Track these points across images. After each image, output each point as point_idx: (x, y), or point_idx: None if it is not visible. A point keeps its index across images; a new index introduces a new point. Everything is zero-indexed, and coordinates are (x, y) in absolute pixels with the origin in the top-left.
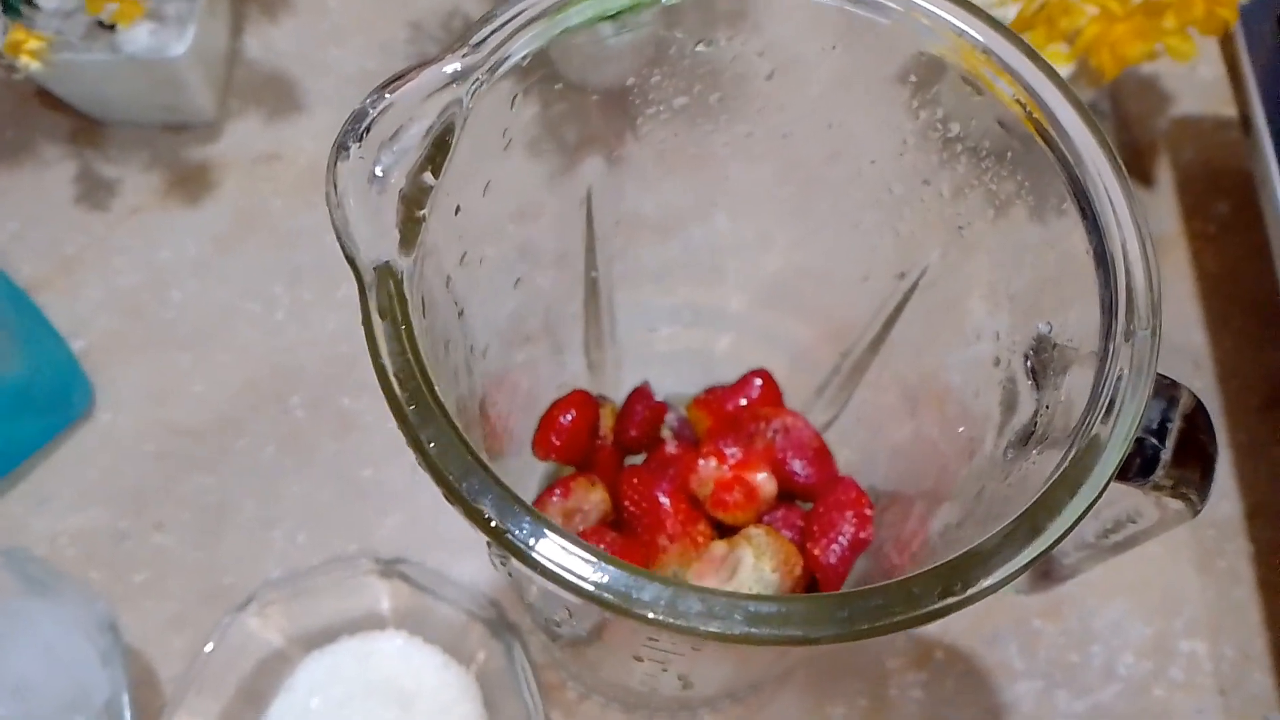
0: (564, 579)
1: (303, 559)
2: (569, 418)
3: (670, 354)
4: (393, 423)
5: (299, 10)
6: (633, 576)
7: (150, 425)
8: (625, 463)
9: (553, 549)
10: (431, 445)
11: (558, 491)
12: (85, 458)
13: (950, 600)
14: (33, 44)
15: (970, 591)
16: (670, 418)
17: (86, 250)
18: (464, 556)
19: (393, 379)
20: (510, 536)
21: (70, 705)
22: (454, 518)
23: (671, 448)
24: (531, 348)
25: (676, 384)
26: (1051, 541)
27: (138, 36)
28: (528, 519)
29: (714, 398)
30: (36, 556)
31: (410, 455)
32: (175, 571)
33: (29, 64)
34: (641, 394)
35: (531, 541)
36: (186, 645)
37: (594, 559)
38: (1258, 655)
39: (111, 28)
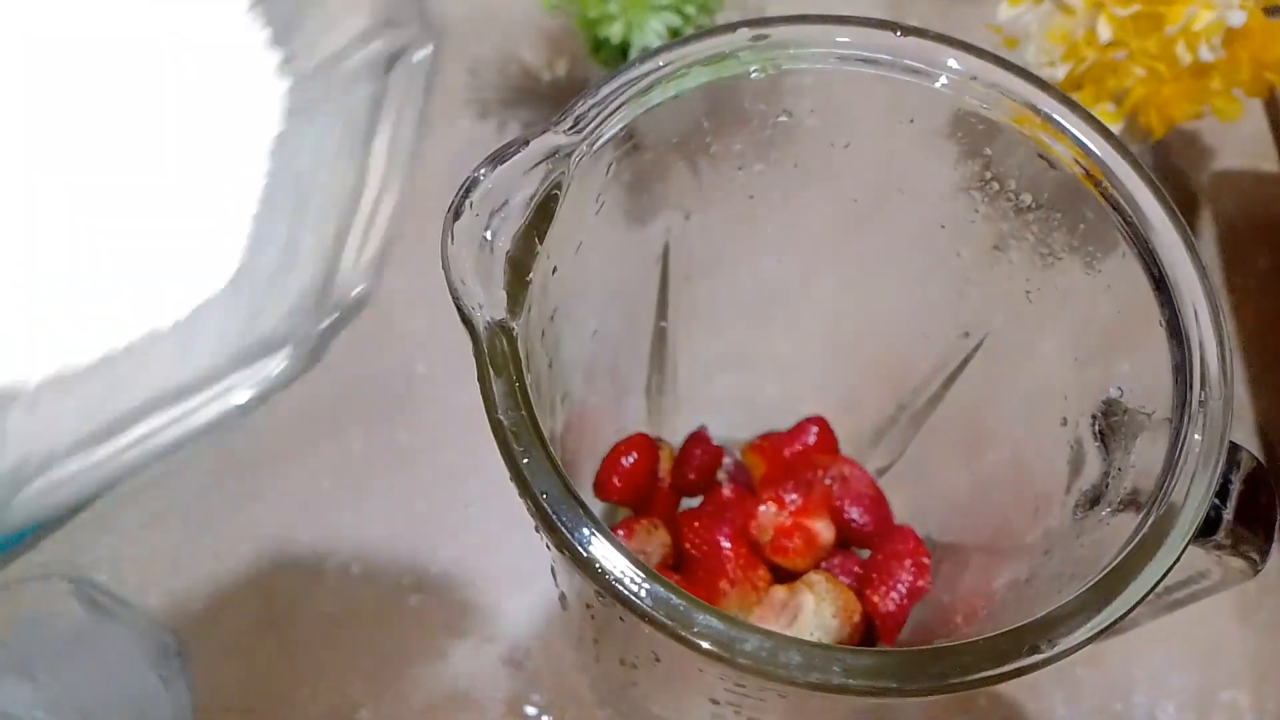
0: (670, 629)
1: (355, 590)
2: (631, 460)
3: (726, 399)
4: (447, 458)
5: None
6: (735, 629)
7: (210, 455)
8: (681, 505)
9: (660, 600)
10: (544, 496)
11: (620, 532)
12: (148, 485)
13: (1036, 658)
14: None
15: (1055, 650)
16: (726, 462)
17: None
18: (515, 592)
19: (509, 434)
20: (619, 586)
21: None
22: (502, 554)
23: (727, 491)
24: (599, 392)
25: (731, 429)
26: (1132, 604)
27: None
28: (635, 570)
29: (770, 443)
30: (101, 583)
31: (461, 492)
32: (231, 601)
33: None
34: (699, 438)
35: (643, 594)
36: (240, 673)
37: (701, 613)
38: None
39: None
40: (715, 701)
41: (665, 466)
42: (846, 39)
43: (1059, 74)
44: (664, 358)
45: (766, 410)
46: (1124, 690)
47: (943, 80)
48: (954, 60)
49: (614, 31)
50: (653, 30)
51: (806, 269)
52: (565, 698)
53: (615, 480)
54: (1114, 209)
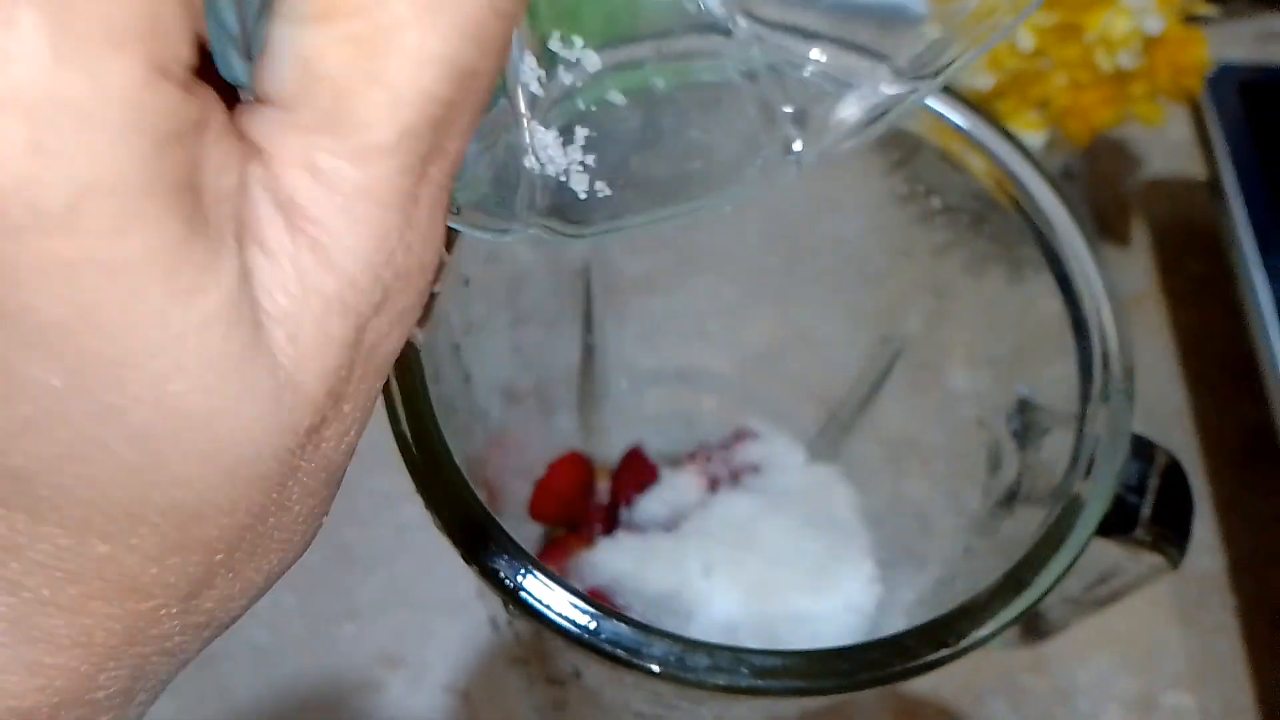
0: (576, 636)
1: (287, 621)
2: (564, 479)
3: (659, 415)
4: (378, 481)
5: None
6: (642, 634)
7: None
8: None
9: (566, 608)
10: (448, 511)
11: (554, 553)
12: None
13: (944, 653)
14: None
15: (962, 644)
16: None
17: None
18: (450, 616)
19: (412, 446)
20: (524, 596)
21: None
22: (436, 579)
23: None
24: (526, 410)
25: (665, 444)
26: (1038, 596)
27: None
28: (542, 579)
29: (703, 456)
30: None
31: (392, 516)
32: None
33: None
34: (634, 454)
35: (546, 600)
36: (175, 711)
37: (606, 618)
38: (1244, 708)
39: None
40: (640, 715)
41: (601, 485)
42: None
43: (982, 83)
44: (593, 374)
45: (701, 424)
46: (1068, 695)
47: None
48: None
49: None
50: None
51: (733, 282)
52: None
53: (549, 500)
54: (1020, 214)
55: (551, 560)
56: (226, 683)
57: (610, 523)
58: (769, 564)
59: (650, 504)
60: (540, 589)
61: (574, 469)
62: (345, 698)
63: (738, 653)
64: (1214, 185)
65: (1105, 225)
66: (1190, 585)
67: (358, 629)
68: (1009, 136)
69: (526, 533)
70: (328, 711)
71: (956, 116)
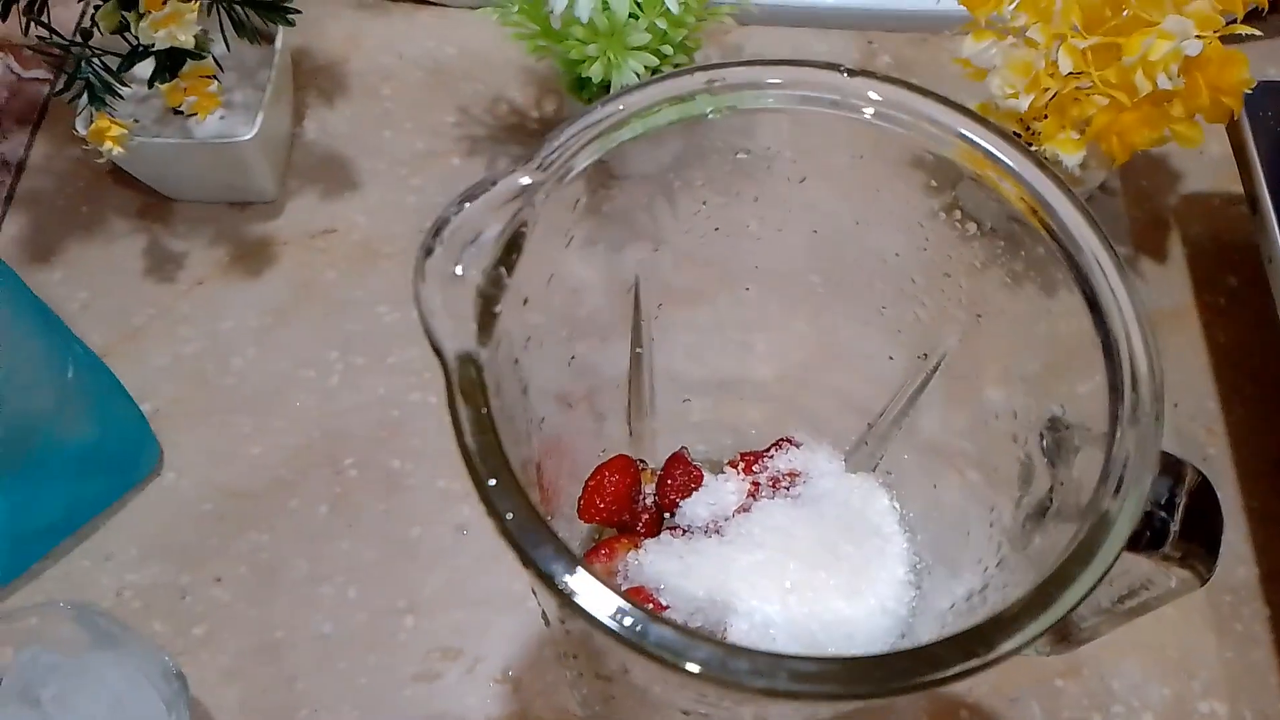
0: (625, 638)
1: (351, 614)
2: (613, 482)
3: (703, 423)
4: (440, 483)
5: (355, 97)
6: (686, 637)
7: (211, 486)
8: (664, 524)
9: (615, 611)
10: (509, 517)
11: (603, 552)
12: (150, 515)
13: (973, 663)
14: (116, 132)
15: (990, 656)
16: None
17: (154, 320)
18: (505, 612)
19: (475, 458)
20: (576, 599)
21: None
22: (493, 576)
23: None
24: (577, 417)
25: (710, 450)
26: (1066, 610)
27: (209, 122)
28: (595, 585)
29: (746, 462)
30: (104, 610)
31: (453, 515)
32: (232, 625)
33: (111, 150)
34: (679, 459)
35: (597, 603)
36: (240, 696)
37: (652, 622)
38: (1277, 717)
39: (188, 114)
40: (686, 713)
41: (648, 488)
42: (796, 81)
43: (1023, 104)
44: (641, 383)
45: (744, 432)
46: (1102, 701)
47: (886, 117)
48: (896, 98)
49: (594, 71)
50: (631, 70)
51: (776, 297)
52: (555, 714)
53: (598, 501)
54: (1051, 238)
55: (599, 559)
56: (290, 671)
57: (656, 524)
58: (807, 568)
59: (695, 507)
60: (592, 592)
61: (622, 473)
62: (403, 687)
63: (777, 658)
64: (1251, 200)
65: (1142, 240)
66: (1224, 595)
67: (417, 622)
68: (1039, 162)
69: (576, 532)
70: (387, 701)
71: (989, 145)
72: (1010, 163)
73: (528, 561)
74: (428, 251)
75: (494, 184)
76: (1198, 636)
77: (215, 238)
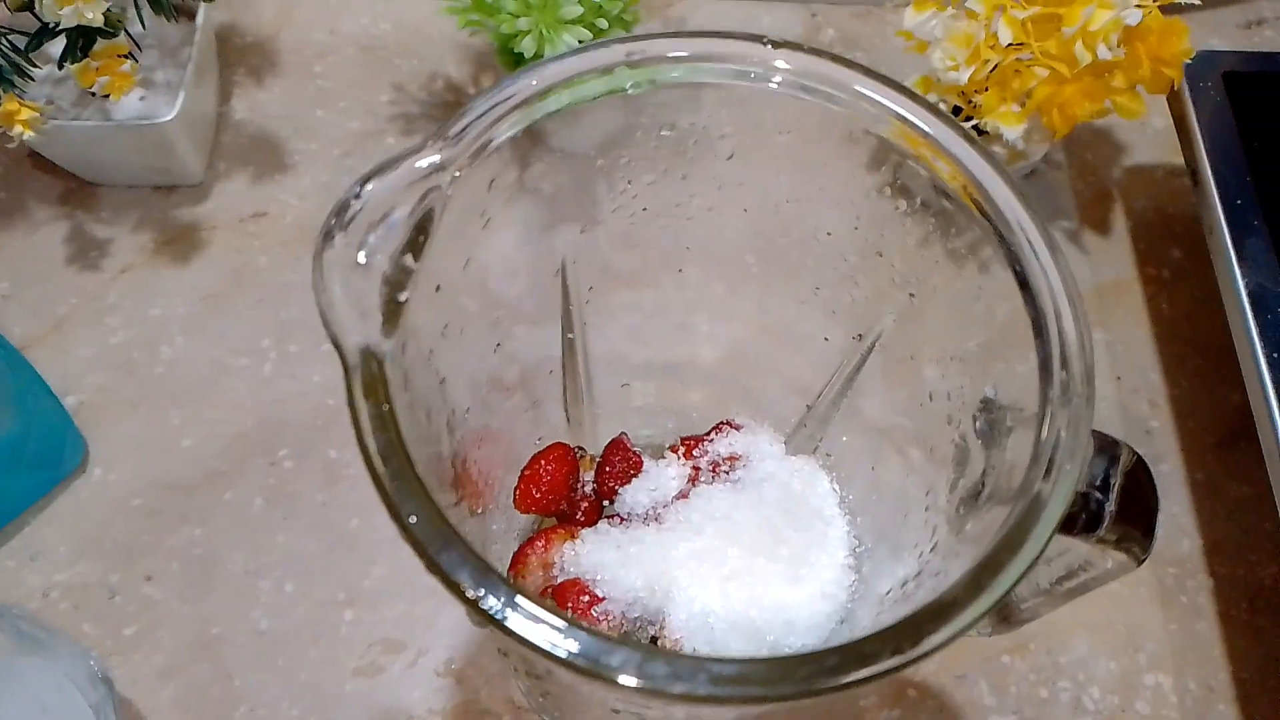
0: (536, 646)
1: (290, 608)
2: (549, 471)
3: (644, 407)
4: None
5: (286, 74)
6: (601, 642)
7: (141, 480)
8: (604, 512)
9: (524, 620)
10: (412, 519)
11: (539, 543)
12: (77, 512)
13: (901, 658)
14: (26, 114)
15: (920, 650)
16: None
17: (78, 309)
18: (448, 604)
19: (375, 457)
20: (485, 606)
21: None
22: None
23: None
24: (510, 406)
25: (651, 435)
26: (997, 598)
27: (128, 103)
28: (503, 590)
29: (687, 447)
30: (29, 612)
31: None
32: (165, 623)
33: (23, 133)
34: (618, 445)
35: (506, 613)
36: (176, 696)
37: (565, 627)
38: (1221, 688)
39: (103, 95)
40: (616, 711)
41: (587, 475)
42: (716, 54)
43: (963, 77)
44: (576, 369)
45: (686, 415)
46: (1049, 676)
47: (815, 92)
48: (821, 71)
49: (526, 46)
50: (565, 44)
51: (715, 278)
52: (501, 705)
53: (534, 491)
54: (982, 215)
55: (534, 551)
56: (227, 668)
57: (596, 513)
58: (747, 553)
59: (635, 494)
60: (500, 597)
61: (559, 461)
62: (345, 681)
63: (698, 661)
64: (1193, 173)
65: (1087, 214)
66: (1169, 568)
67: (358, 615)
68: (969, 137)
69: (515, 524)
70: (329, 697)
71: (918, 119)
72: (939, 138)
73: (431, 566)
74: (327, 237)
75: (398, 164)
76: (1143, 610)
77: (141, 223)
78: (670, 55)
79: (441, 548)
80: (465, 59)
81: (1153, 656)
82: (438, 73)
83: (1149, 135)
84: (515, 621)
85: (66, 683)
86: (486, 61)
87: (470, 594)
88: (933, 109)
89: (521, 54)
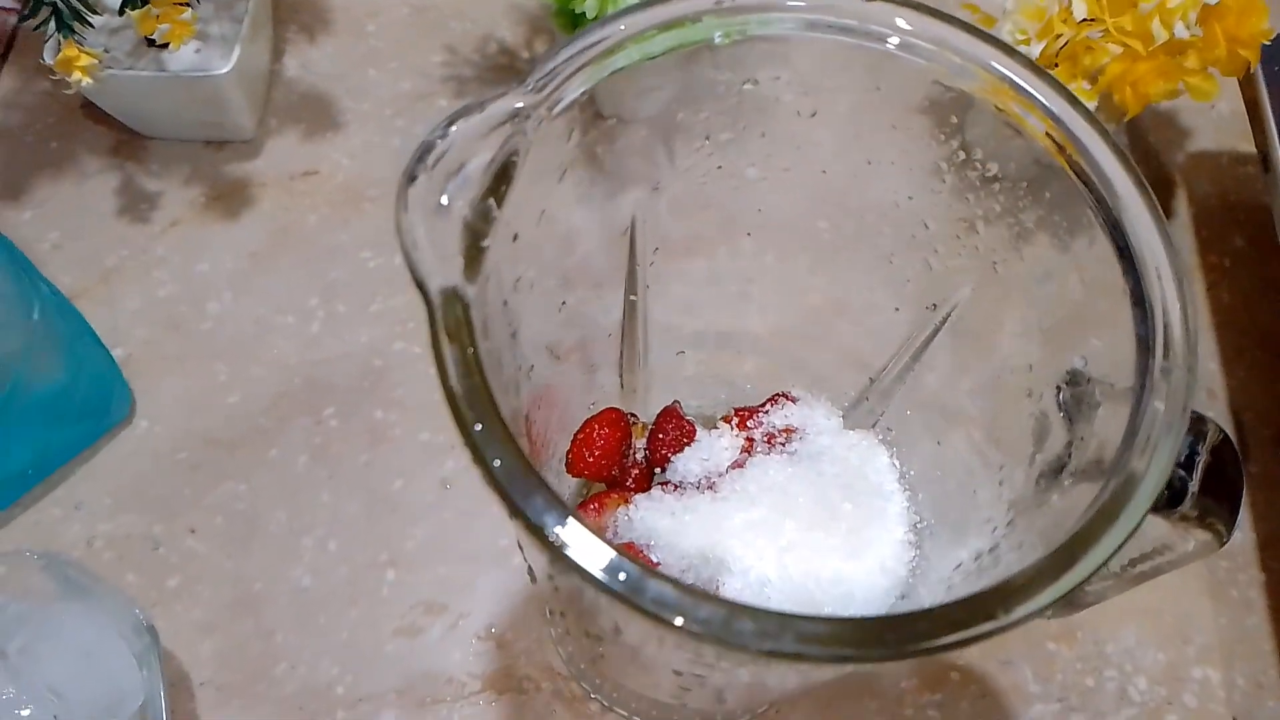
0: (620, 595)
1: (332, 567)
2: (603, 435)
3: (695, 376)
4: (424, 435)
5: (338, 33)
6: (689, 596)
7: (186, 434)
8: (655, 480)
9: (610, 566)
10: (497, 464)
11: (593, 506)
12: (122, 464)
13: (991, 625)
14: (85, 61)
15: (1011, 618)
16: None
17: (127, 261)
18: (489, 567)
19: (461, 402)
20: (568, 552)
21: (107, 708)
22: (478, 532)
23: None
24: (569, 367)
25: (704, 404)
26: (1090, 572)
27: (184, 55)
28: (589, 538)
29: (740, 418)
30: (74, 560)
31: (436, 469)
32: (207, 577)
33: (80, 80)
34: (671, 413)
35: (590, 557)
36: (217, 649)
37: (651, 578)
38: (1270, 684)
39: (160, 45)
40: (679, 673)
41: (638, 442)
42: (815, 4)
43: (1034, 51)
44: (635, 333)
45: (739, 386)
46: (1096, 665)
47: (909, 47)
48: (921, 26)
49: (589, 6)
50: (628, 3)
51: (779, 244)
52: (540, 672)
53: (586, 455)
54: (1080, 179)
55: (588, 514)
56: (268, 624)
57: (646, 480)
58: (804, 526)
59: (687, 463)
60: (585, 546)
61: (612, 426)
62: (384, 642)
63: (785, 618)
64: (1264, 158)
65: None
66: (1219, 561)
67: (399, 576)
68: (1070, 97)
69: (563, 488)
70: (368, 657)
71: (1015, 75)
72: (1040, 96)
73: (516, 512)
74: (411, 178)
75: (484, 107)
76: (1194, 602)
77: (191, 177)
78: (765, 3)
79: (528, 494)
80: (519, 21)
81: (1201, 649)
82: (491, 35)
83: (1214, 120)
84: (601, 571)
85: (111, 631)
86: (540, 25)
87: (554, 539)
88: (1029, 64)
89: (584, 14)
